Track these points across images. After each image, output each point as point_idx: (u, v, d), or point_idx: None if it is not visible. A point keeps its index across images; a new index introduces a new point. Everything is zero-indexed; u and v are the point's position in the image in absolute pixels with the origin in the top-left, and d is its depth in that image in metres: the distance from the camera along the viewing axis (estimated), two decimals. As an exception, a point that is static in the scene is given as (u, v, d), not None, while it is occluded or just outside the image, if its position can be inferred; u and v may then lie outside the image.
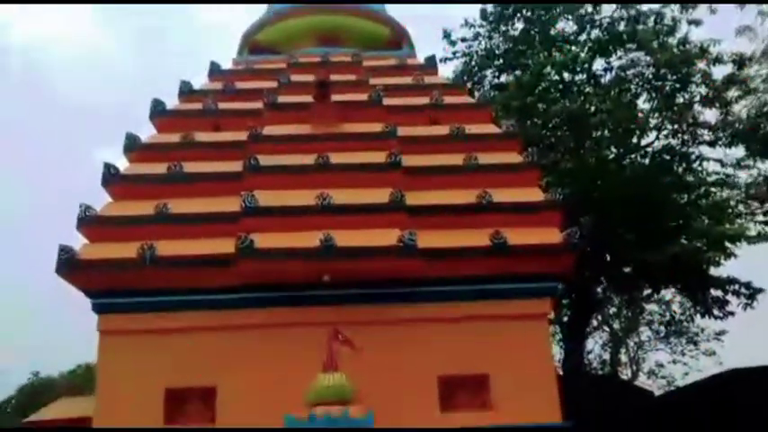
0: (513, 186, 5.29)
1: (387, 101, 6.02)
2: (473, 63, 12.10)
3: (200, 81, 6.55)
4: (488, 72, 11.95)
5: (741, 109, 10.21)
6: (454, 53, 12.14)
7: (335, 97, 5.83)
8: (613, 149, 10.24)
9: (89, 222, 4.76)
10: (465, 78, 11.60)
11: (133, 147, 5.45)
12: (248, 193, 4.80)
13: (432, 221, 4.93)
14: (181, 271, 4.53)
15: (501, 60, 11.74)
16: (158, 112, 5.84)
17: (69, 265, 4.49)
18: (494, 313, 4.76)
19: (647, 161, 10.16)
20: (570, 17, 11.33)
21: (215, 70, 6.70)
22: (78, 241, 4.72)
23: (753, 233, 9.34)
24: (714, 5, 10.85)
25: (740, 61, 10.58)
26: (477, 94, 11.58)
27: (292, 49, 7.18)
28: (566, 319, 11.77)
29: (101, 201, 5.04)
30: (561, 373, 8.90)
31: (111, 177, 5.13)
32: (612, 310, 15.54)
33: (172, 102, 6.07)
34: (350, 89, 6.20)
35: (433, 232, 4.81)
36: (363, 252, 4.58)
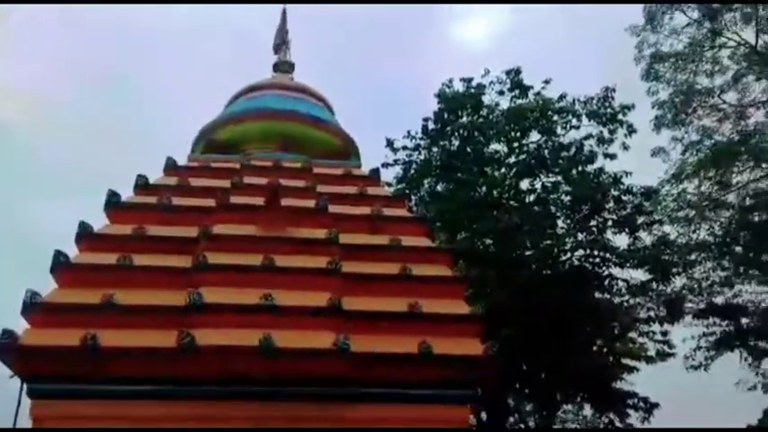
0: (441, 298, 5.75)
1: (332, 209, 6.47)
2: (412, 171, 12.99)
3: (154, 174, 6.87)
4: (426, 181, 12.86)
5: (647, 236, 11.40)
6: (395, 160, 13.07)
7: (285, 202, 6.24)
8: (533, 266, 11.08)
9: (34, 309, 4.89)
10: (404, 184, 12.43)
11: (84, 235, 5.66)
12: (194, 290, 5.08)
13: (365, 327, 5.30)
14: (122, 361, 4.70)
15: (438, 171, 12.69)
16: (112, 203, 6.10)
17: (9, 350, 4.59)
18: (417, 417, 5.09)
19: (563, 279, 11.02)
20: (502, 140, 12.48)
21: (170, 165, 7.04)
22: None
23: (652, 352, 10.24)
24: (627, 142, 12.31)
25: (647, 193, 11.88)
26: (414, 198, 12.40)
27: (247, 150, 7.63)
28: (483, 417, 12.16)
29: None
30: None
31: (59, 264, 5.30)
32: (529, 407, 16.09)
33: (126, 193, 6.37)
34: (298, 195, 6.63)
35: (366, 337, 5.18)
36: (300, 353, 4.90)
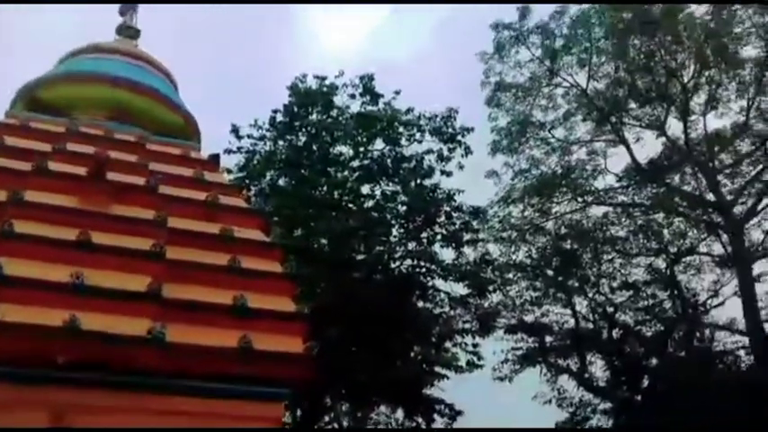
0: (268, 293, 5.67)
1: (163, 189, 6.13)
2: (255, 161, 12.75)
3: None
4: (268, 173, 12.69)
5: (471, 252, 12.27)
6: (239, 148, 12.75)
7: (111, 176, 5.82)
8: (364, 270, 11.39)
9: None
10: (245, 173, 12.17)
11: None
12: (-6, 260, 4.57)
13: (185, 316, 5.09)
14: None
15: (281, 165, 12.58)
16: None
17: None
18: (232, 413, 4.98)
19: (391, 285, 11.46)
20: (349, 143, 12.69)
21: (-18, 120, 6.29)
22: None
23: (463, 362, 11.06)
24: (463, 162, 13.15)
25: (475, 212, 12.77)
26: (254, 189, 12.17)
27: (75, 115, 7.01)
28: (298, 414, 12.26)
29: None
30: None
31: None
32: (345, 407, 16.49)
33: None
34: (128, 170, 6.19)
35: (185, 327, 4.98)
36: (108, 339, 4.59)
